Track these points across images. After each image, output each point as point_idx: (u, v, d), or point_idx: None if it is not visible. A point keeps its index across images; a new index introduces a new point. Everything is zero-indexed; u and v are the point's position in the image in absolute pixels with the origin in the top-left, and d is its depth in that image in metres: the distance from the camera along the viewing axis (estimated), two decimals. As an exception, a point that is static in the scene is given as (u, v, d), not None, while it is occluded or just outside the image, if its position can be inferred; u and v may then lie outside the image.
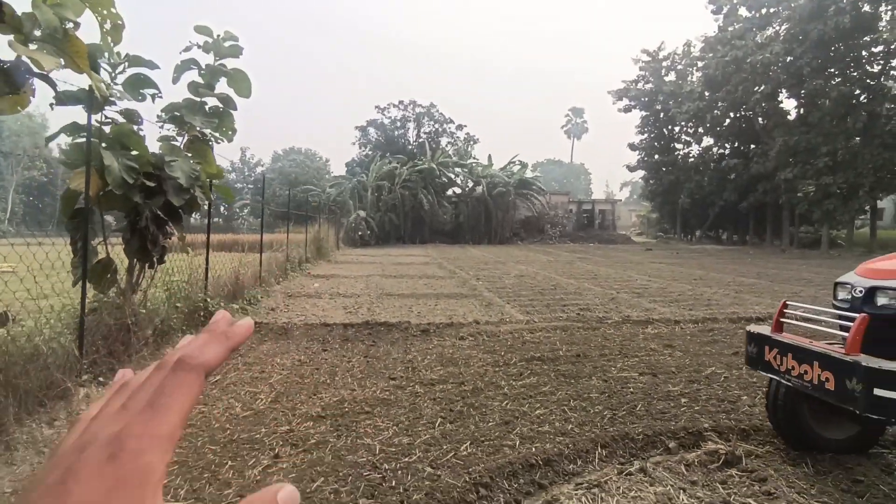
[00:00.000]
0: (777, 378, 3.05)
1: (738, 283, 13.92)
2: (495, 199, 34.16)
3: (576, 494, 2.99)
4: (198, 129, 5.68)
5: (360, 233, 30.67)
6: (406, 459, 3.39)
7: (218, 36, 5.61)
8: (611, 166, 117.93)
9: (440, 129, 43.33)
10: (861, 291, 2.95)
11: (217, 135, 5.91)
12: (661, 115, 36.46)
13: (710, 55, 31.77)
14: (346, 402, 4.52)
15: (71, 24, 3.36)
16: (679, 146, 37.11)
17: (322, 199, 33.51)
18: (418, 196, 32.59)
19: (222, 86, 5.89)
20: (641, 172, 40.34)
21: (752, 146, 31.26)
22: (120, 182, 4.51)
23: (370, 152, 41.06)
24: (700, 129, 34.46)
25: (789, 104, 29.97)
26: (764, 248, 31.17)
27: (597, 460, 3.44)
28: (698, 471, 3.28)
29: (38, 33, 3.18)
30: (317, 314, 8.58)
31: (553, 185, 47.38)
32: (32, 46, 3.19)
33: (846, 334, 2.72)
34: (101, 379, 4.48)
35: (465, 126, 44.53)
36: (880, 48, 24.56)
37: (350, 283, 13.09)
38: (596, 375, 5.22)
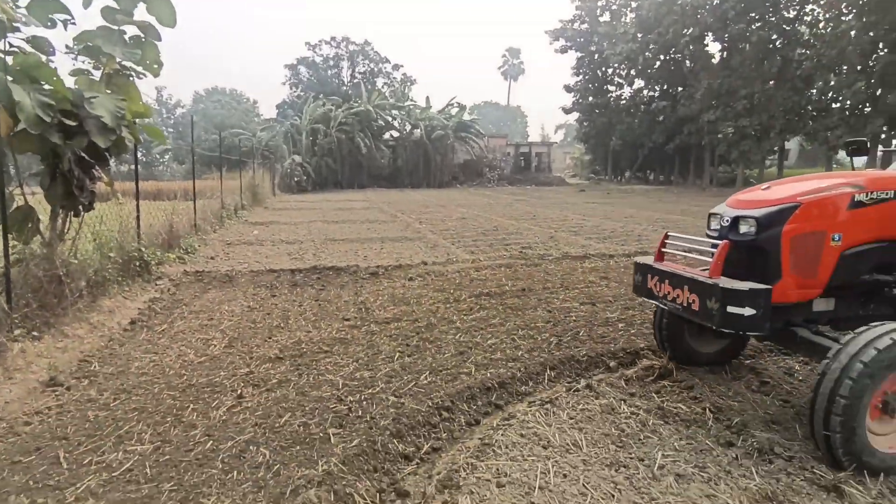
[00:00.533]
0: (657, 303, 3.29)
1: (664, 219, 14.84)
2: (434, 143, 33.78)
3: (530, 411, 3.26)
4: (118, 61, 5.18)
5: (296, 178, 29.59)
6: (369, 391, 3.53)
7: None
8: (546, 109, 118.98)
9: (375, 70, 41.57)
10: (727, 221, 3.08)
11: (139, 69, 5.43)
12: (596, 56, 36.79)
13: (644, -4, 32.06)
14: (303, 343, 4.57)
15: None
16: (612, 88, 37.85)
17: (253, 143, 31.77)
18: (355, 140, 31.61)
19: (142, 13, 5.37)
20: (576, 115, 40.97)
21: (680, 89, 32.42)
22: (35, 120, 4.10)
23: (302, 93, 38.95)
24: (632, 72, 35.20)
25: (714, 48, 31.10)
26: (687, 188, 33.10)
27: (546, 381, 3.73)
28: (636, 384, 3.65)
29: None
30: (260, 261, 8.40)
31: (490, 127, 47.29)
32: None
33: (707, 259, 2.99)
34: (34, 333, 4.26)
35: (402, 66, 43.07)
36: (797, -7, 25.72)
37: (291, 229, 12.78)
38: (541, 307, 5.53)
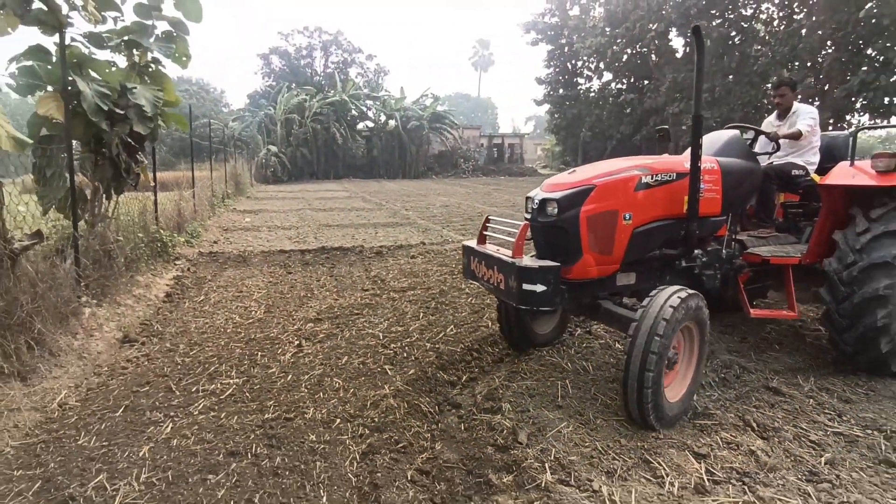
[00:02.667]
0: (479, 284, 3.36)
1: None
2: (409, 134, 34.16)
3: (545, 349, 3.98)
4: (152, 54, 5.63)
5: (271, 169, 29.58)
6: (407, 340, 4.20)
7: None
8: (516, 100, 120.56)
9: (349, 59, 41.52)
10: (536, 204, 3.15)
11: (169, 61, 5.88)
12: (566, 49, 37.76)
13: (611, -9, 33.13)
14: (335, 307, 5.19)
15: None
16: (582, 81, 38.95)
17: (226, 133, 31.49)
18: (331, 130, 31.71)
19: (169, 8, 5.80)
20: (546, 107, 41.97)
21: (646, 82, 33.72)
22: (94, 109, 4.56)
23: (274, 83, 38.66)
24: (601, 65, 36.32)
25: (678, 42, 32.44)
26: (652, 178, 34.48)
27: (552, 330, 4.46)
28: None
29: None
30: (264, 245, 8.87)
31: (462, 119, 47.85)
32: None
33: (510, 240, 3.10)
34: (95, 301, 4.74)
35: (376, 56, 43.18)
36: (754, -8, 27.15)
37: (282, 217, 13.19)
38: (536, 277, 6.27)
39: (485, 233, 3.49)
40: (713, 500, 2.23)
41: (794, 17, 24.54)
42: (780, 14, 26.28)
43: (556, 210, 3.03)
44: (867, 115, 23.27)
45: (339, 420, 2.91)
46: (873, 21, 19.80)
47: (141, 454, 2.55)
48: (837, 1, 21.31)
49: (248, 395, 3.23)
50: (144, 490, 2.27)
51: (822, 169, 4.16)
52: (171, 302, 5.45)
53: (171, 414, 2.97)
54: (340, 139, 31.96)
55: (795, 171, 4.13)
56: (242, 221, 12.27)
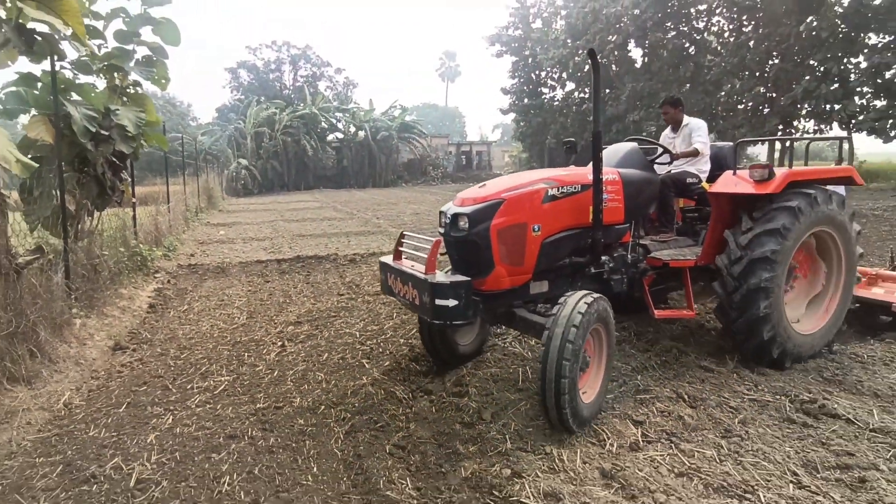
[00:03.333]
0: (396, 299, 3.34)
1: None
2: (379, 144, 34.52)
3: (507, 341, 4.40)
4: (133, 77, 5.89)
5: (242, 182, 29.50)
6: (382, 338, 4.57)
7: (145, -17, 5.76)
8: (483, 109, 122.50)
9: (318, 73, 41.69)
10: (448, 218, 3.17)
11: (149, 83, 6.15)
12: (530, 60, 38.82)
13: (572, 5, 34.33)
14: (313, 311, 5.52)
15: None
16: (546, 90, 40.05)
17: (195, 147, 31.24)
18: (301, 142, 31.81)
19: (147, 33, 6.08)
20: (513, 115, 42.96)
21: (608, 90, 34.97)
22: (83, 131, 4.82)
23: (243, 97, 38.51)
24: (564, 75, 37.47)
25: (636, 53, 33.79)
26: (617, 183, 35.66)
27: (516, 325, 4.89)
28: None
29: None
30: (240, 256, 9.10)
31: (430, 128, 48.46)
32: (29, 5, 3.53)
33: (422, 255, 3.10)
34: (83, 312, 4.96)
35: (344, 70, 43.46)
36: (704, 6, 28.60)
37: (255, 228, 13.37)
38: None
39: (400, 248, 3.45)
40: (644, 455, 2.68)
41: (744, 28, 25.98)
42: (730, 27, 27.77)
43: (467, 224, 3.06)
44: (812, 121, 24.80)
45: (323, 406, 3.27)
46: (813, 34, 21.21)
47: (148, 441, 2.86)
48: (781, 15, 22.74)
49: (239, 389, 3.56)
50: (156, 468, 2.59)
51: (713, 176, 4.48)
52: (156, 312, 5.68)
53: (171, 408, 3.27)
54: (311, 151, 32.08)
55: (690, 179, 4.45)
56: (217, 234, 12.41)
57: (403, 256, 3.46)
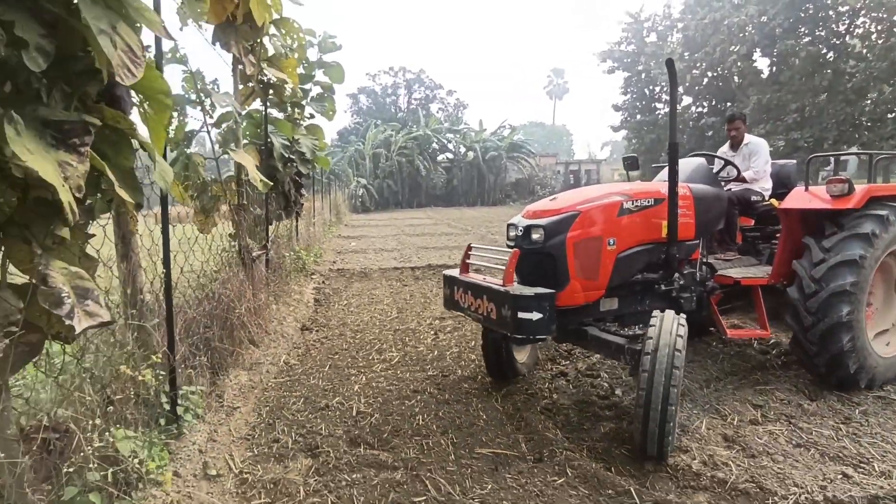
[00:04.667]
0: (465, 314, 3.23)
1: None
2: (488, 163, 35.72)
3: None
4: (310, 112, 7.27)
5: (360, 199, 32.09)
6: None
7: (323, 33, 7.12)
8: (591, 126, 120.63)
9: (431, 95, 44.32)
10: (521, 231, 3.15)
11: (320, 115, 7.51)
12: (643, 75, 37.98)
13: (689, 17, 33.25)
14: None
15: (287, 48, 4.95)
16: (660, 106, 38.85)
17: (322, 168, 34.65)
18: (415, 162, 33.94)
19: (320, 74, 7.44)
20: (623, 132, 42.08)
21: (728, 104, 33.15)
22: (280, 157, 6.16)
23: (362, 120, 41.91)
24: (680, 89, 36.21)
25: (763, 63, 31.77)
26: (739, 200, 33.48)
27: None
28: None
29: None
30: (375, 264, 10.33)
31: (538, 146, 48.84)
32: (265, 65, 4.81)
33: (501, 268, 2.99)
34: (273, 300, 6.23)
35: (455, 91, 45.84)
36: (846, 8, 26.32)
37: (382, 241, 14.80)
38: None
39: (467, 261, 3.40)
40: (763, 429, 3.09)
41: (894, 29, 23.54)
42: (878, 28, 25.27)
43: (542, 236, 3.03)
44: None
45: (480, 376, 4.04)
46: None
47: (354, 390, 3.81)
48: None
49: (410, 362, 4.45)
50: (368, 405, 3.51)
51: (776, 194, 4.47)
52: (321, 305, 6.89)
53: (362, 371, 4.24)
54: (423, 171, 34.05)
55: (754, 197, 4.44)
56: (349, 245, 13.98)
57: (471, 269, 3.40)
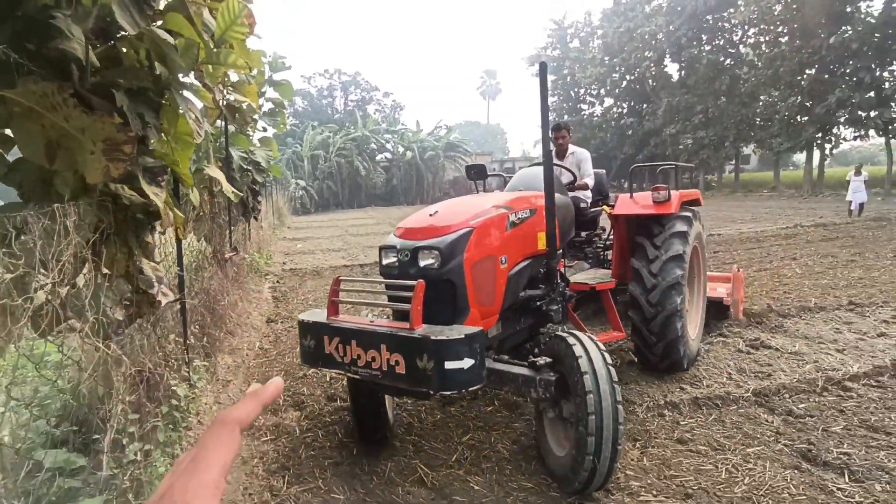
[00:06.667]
0: (342, 372, 2.55)
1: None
2: (426, 163, 36.76)
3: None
4: (262, 125, 7.91)
5: (300, 201, 32.17)
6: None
7: (273, 54, 7.79)
8: (524, 125, 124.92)
9: (367, 97, 44.74)
10: (405, 255, 2.62)
11: (271, 128, 8.16)
12: (568, 78, 40.38)
13: (607, 25, 35.83)
14: (400, 299, 7.26)
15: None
16: (585, 107, 41.43)
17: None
18: (354, 163, 34.40)
19: (270, 91, 8.09)
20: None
21: (645, 105, 36.01)
22: (239, 168, 6.80)
23: (299, 122, 41.71)
24: (602, 91, 38.84)
25: (672, 69, 34.81)
26: (657, 194, 36.43)
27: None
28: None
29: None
30: (325, 263, 11.01)
31: (473, 145, 50.40)
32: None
33: (404, 306, 2.38)
34: (238, 296, 6.87)
35: (392, 93, 46.45)
36: (737, 20, 29.43)
37: (328, 241, 15.40)
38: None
39: (335, 299, 2.63)
40: (625, 387, 4.21)
41: (780, 39, 26.68)
42: (766, 38, 28.49)
43: (437, 260, 2.56)
44: (851, 128, 25.15)
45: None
46: (844, 45, 21.86)
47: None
48: (813, 26, 23.45)
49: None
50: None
51: (593, 201, 4.70)
52: (281, 301, 7.57)
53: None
54: (363, 171, 34.56)
55: (583, 205, 4.50)
56: (296, 247, 14.49)
57: (341, 310, 2.68)
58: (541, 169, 3.48)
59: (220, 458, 0.39)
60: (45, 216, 1.64)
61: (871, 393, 3.57)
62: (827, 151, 26.07)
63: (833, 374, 3.85)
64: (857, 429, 3.10)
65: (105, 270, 2.15)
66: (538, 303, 3.14)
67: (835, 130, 25.50)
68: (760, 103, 28.49)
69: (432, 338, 2.22)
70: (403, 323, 2.39)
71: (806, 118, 25.52)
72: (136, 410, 2.20)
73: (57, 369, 1.94)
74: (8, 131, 1.85)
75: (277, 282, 9.03)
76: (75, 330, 1.99)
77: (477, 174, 4.13)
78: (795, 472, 2.72)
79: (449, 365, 2.20)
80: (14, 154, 1.98)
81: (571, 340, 2.53)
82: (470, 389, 2.33)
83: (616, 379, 2.44)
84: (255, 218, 7.62)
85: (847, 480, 2.62)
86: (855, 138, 25.91)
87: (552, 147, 4.29)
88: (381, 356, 2.33)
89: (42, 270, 1.75)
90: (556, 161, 4.26)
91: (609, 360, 2.48)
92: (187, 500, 0.36)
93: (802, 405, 3.44)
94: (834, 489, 2.55)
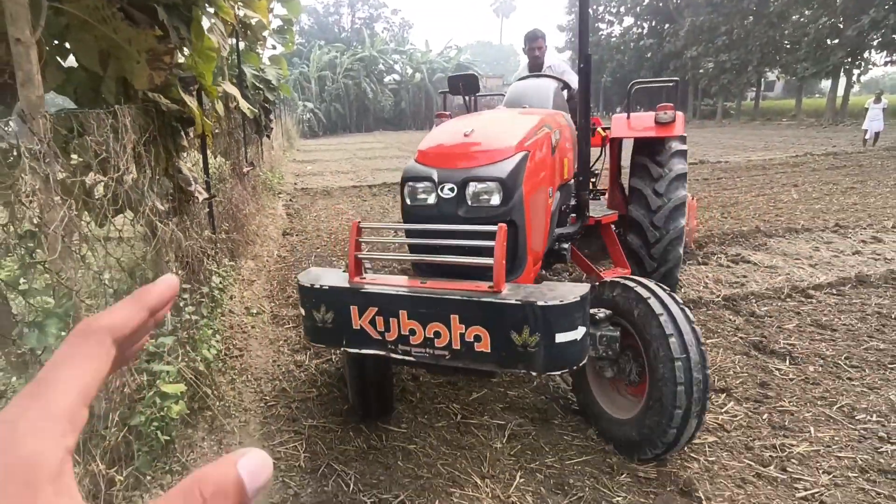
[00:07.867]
0: (379, 353, 1.90)
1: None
2: (435, 85, 35.79)
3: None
4: (272, 43, 7.93)
5: (308, 124, 31.90)
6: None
7: (277, -31, 7.66)
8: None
9: (375, 14, 42.79)
10: (453, 189, 1.96)
11: (281, 46, 8.18)
12: (587, -6, 38.19)
13: (632, -67, 33.33)
14: (407, 217, 7.63)
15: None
16: (603, 26, 39.44)
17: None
18: (362, 85, 33.64)
19: (278, 7, 8.04)
20: (569, 53, 42.64)
21: (667, 26, 34.26)
22: (250, 85, 6.95)
23: (305, 41, 40.34)
24: (622, 9, 36.82)
25: (699, -17, 32.70)
26: (672, 121, 35.51)
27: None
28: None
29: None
30: (334, 184, 11.31)
31: (485, 67, 48.74)
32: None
33: (471, 260, 1.84)
34: (256, 210, 7.26)
35: (400, 10, 44.39)
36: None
37: (336, 164, 15.60)
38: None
39: (359, 254, 1.99)
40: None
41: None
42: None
43: (500, 195, 1.97)
44: (884, 52, 24.05)
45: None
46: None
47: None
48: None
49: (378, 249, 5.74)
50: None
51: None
52: (294, 217, 7.97)
53: (342, 258, 5.48)
54: (371, 93, 33.87)
55: None
56: (306, 169, 14.73)
57: (366, 270, 2.06)
58: (540, 81, 3.35)
59: (76, 378, 0.27)
60: (110, 115, 1.95)
61: (830, 299, 3.95)
62: (855, 77, 25.07)
63: (799, 284, 4.23)
64: (808, 327, 3.51)
65: (149, 170, 2.50)
66: (565, 243, 2.70)
67: (865, 55, 24.40)
68: (790, 23, 27.04)
69: (539, 303, 1.67)
70: (477, 283, 1.80)
71: (836, 41, 24.35)
72: (185, 282, 2.63)
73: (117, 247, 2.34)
74: (65, 43, 2.13)
75: (290, 200, 9.39)
76: (129, 219, 2.38)
77: (468, 87, 3.25)
78: (744, 356, 3.16)
79: (560, 338, 1.70)
80: (69, 63, 2.27)
81: (643, 292, 2.08)
82: (577, 367, 1.81)
83: (693, 320, 2.05)
84: (268, 136, 7.84)
85: (787, 364, 3.05)
86: (886, 63, 24.83)
87: (526, 60, 4.24)
88: (452, 330, 1.75)
89: (99, 168, 2.10)
90: (527, 75, 3.90)
91: (690, 314, 2.05)
92: (17, 438, 0.24)
93: (765, 308, 3.84)
94: (773, 370, 2.99)
